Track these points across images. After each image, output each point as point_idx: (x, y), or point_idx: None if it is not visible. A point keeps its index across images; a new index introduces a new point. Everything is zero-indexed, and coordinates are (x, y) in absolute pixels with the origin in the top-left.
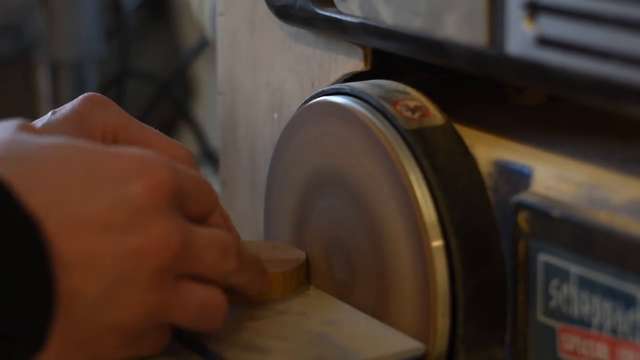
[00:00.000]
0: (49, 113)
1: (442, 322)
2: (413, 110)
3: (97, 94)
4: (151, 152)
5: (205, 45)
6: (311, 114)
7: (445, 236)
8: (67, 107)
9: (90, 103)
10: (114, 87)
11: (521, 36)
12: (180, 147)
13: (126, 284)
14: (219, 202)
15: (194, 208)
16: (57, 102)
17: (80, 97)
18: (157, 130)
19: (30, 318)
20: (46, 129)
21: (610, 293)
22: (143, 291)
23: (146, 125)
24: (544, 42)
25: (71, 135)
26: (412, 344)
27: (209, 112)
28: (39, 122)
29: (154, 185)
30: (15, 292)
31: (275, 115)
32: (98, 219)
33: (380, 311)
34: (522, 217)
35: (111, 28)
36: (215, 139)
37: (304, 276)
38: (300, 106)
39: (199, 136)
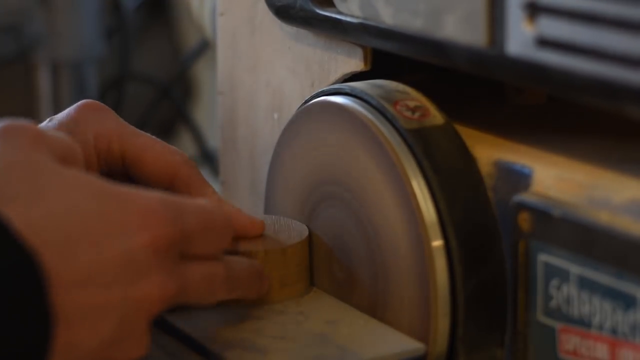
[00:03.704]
0: (47, 120)
1: (442, 322)
2: (413, 110)
3: (95, 101)
4: (159, 198)
5: (205, 46)
6: (311, 114)
7: (445, 236)
8: (63, 113)
9: (86, 110)
10: (114, 89)
11: (521, 37)
12: (175, 153)
13: (122, 337)
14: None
15: (200, 249)
16: (57, 103)
17: (78, 103)
18: (152, 137)
19: None
20: None
21: (610, 293)
22: (137, 342)
23: (142, 132)
24: (544, 42)
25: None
26: (412, 344)
27: (209, 113)
28: None
29: (155, 240)
30: (16, 343)
31: (275, 115)
32: (102, 275)
33: (380, 311)
34: (522, 217)
35: (111, 28)
36: (214, 140)
37: (307, 252)
38: (300, 106)
39: (198, 137)
